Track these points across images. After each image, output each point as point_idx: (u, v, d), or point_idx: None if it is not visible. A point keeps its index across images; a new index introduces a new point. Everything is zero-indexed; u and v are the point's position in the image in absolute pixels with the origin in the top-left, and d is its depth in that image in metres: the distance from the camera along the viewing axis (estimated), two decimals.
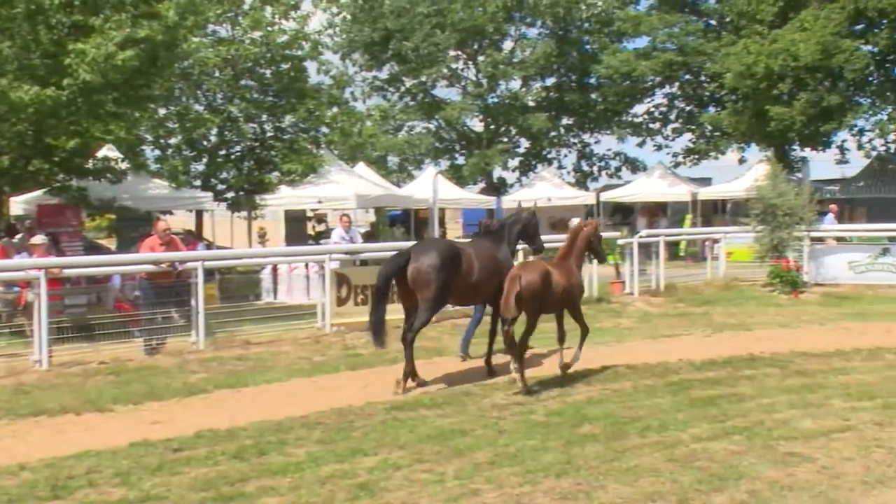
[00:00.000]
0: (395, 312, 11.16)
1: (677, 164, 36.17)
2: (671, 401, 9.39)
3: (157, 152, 23.81)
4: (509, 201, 32.85)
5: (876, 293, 19.09)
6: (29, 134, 16.61)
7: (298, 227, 28.01)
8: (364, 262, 17.48)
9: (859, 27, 30.02)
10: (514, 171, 39.67)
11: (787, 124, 28.62)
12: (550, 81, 38.54)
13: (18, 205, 19.90)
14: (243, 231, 26.30)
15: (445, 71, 37.27)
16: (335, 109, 26.83)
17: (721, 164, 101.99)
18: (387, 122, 37.35)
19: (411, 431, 8.30)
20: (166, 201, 21.46)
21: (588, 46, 37.42)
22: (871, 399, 9.40)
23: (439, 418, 8.83)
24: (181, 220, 25.63)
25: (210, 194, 22.77)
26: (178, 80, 22.13)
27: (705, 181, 36.55)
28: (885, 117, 29.70)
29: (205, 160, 24.39)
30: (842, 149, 32.26)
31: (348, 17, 36.82)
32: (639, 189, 33.89)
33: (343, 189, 23.64)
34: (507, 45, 37.97)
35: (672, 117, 37.49)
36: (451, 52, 36.97)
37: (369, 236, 25.40)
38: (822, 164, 79.01)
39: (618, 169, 39.53)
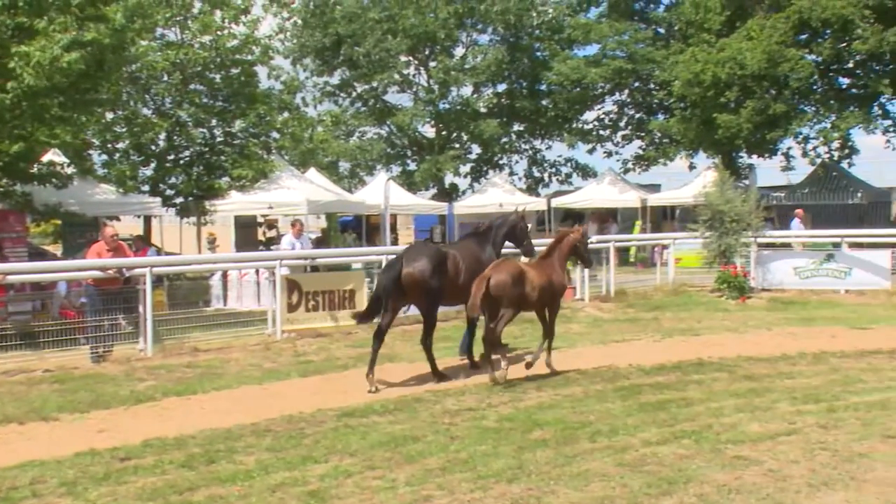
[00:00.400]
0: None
1: (627, 171, 36.44)
2: (621, 406, 9.48)
3: (105, 157, 23.37)
4: (461, 207, 32.94)
5: (821, 298, 19.52)
6: None
7: (249, 233, 27.80)
8: (315, 269, 17.42)
9: (804, 37, 30.48)
10: (465, 177, 39.76)
11: (735, 132, 28.97)
12: (502, 88, 38.61)
13: None
14: (193, 237, 25.99)
15: (397, 77, 37.23)
16: (286, 114, 26.59)
17: (670, 171, 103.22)
18: (338, 128, 37.19)
19: (362, 438, 8.28)
20: (114, 207, 21.15)
21: (539, 53, 37.52)
22: (817, 402, 9.56)
23: (391, 424, 8.81)
24: (129, 226, 25.26)
25: (158, 200, 22.49)
26: (125, 84, 21.79)
27: (654, 187, 36.98)
28: (829, 125, 30.16)
29: (153, 165, 24.01)
30: (787, 156, 32.72)
31: (299, 21, 36.62)
32: (589, 195, 34.10)
33: (294, 195, 23.49)
34: (459, 51, 38.05)
35: (622, 124, 37.84)
36: (403, 58, 36.93)
37: (320, 242, 25.27)
38: (768, 171, 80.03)
39: (568, 175, 39.75)
